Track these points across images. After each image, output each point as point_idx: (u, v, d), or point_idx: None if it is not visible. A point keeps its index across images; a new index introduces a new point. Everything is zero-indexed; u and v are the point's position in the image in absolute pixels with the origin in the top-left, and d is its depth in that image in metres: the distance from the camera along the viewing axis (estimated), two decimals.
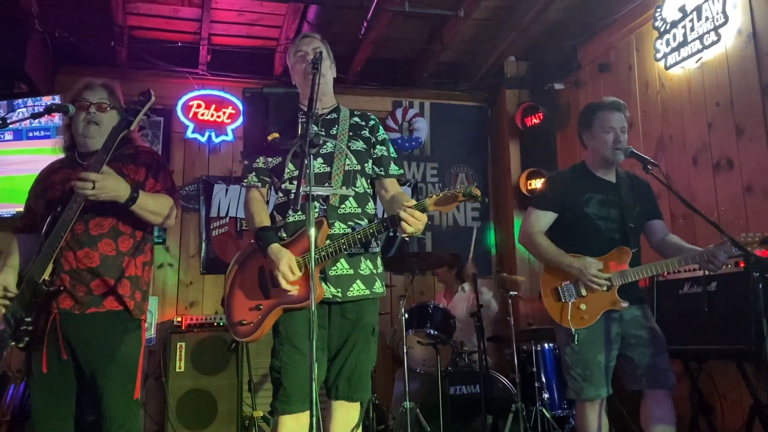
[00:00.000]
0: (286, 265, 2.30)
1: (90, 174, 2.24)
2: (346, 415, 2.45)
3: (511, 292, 4.45)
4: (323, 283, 2.38)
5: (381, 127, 2.70)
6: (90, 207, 2.37)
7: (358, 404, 2.48)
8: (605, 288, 2.88)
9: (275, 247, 2.34)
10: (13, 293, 2.42)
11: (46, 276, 2.34)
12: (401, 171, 2.67)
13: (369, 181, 2.62)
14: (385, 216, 2.38)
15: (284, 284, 2.30)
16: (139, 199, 2.37)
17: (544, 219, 3.07)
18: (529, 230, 3.07)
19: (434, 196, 2.26)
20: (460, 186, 2.26)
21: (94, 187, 2.23)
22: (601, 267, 2.88)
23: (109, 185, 2.29)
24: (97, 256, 2.43)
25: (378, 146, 2.63)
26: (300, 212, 2.45)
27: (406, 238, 2.38)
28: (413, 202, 2.29)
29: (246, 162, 2.61)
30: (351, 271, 2.44)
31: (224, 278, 2.57)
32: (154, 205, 2.45)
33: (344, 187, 2.46)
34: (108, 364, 2.40)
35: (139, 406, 2.56)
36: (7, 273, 2.48)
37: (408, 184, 6.04)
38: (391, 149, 2.68)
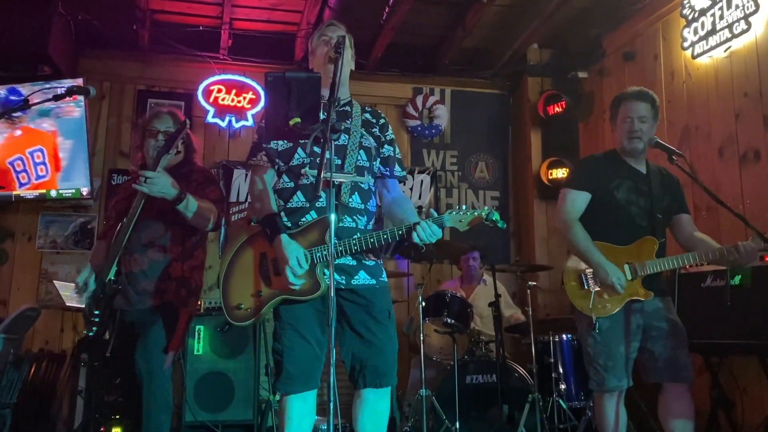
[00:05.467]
0: (295, 258, 2.28)
1: (146, 171, 2.64)
2: (377, 404, 2.44)
3: (529, 283, 4.42)
4: (327, 271, 2.32)
5: (390, 126, 2.70)
6: (144, 218, 2.78)
7: (388, 390, 2.46)
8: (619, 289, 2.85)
9: (285, 239, 2.32)
10: (91, 290, 2.84)
11: (111, 276, 2.74)
12: (404, 173, 2.70)
13: (374, 179, 2.61)
14: (403, 224, 2.35)
15: (291, 278, 2.28)
16: (185, 200, 2.71)
17: (580, 200, 3.01)
18: (567, 216, 3.00)
19: (455, 213, 2.31)
20: (481, 210, 2.31)
21: (146, 181, 2.61)
22: (624, 283, 2.83)
23: (161, 182, 2.65)
24: (146, 261, 2.83)
25: (386, 146, 2.63)
26: (307, 201, 2.41)
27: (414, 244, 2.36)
28: (433, 213, 2.31)
29: (255, 140, 2.56)
30: (354, 263, 2.44)
31: (222, 258, 2.55)
32: (197, 208, 2.79)
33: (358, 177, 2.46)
34: (143, 343, 2.80)
35: (169, 376, 2.86)
36: (88, 272, 2.89)
37: (427, 172, 6.01)
38: (397, 150, 2.68)
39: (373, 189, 2.60)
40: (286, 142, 2.48)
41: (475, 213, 2.31)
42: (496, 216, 2.30)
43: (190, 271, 2.93)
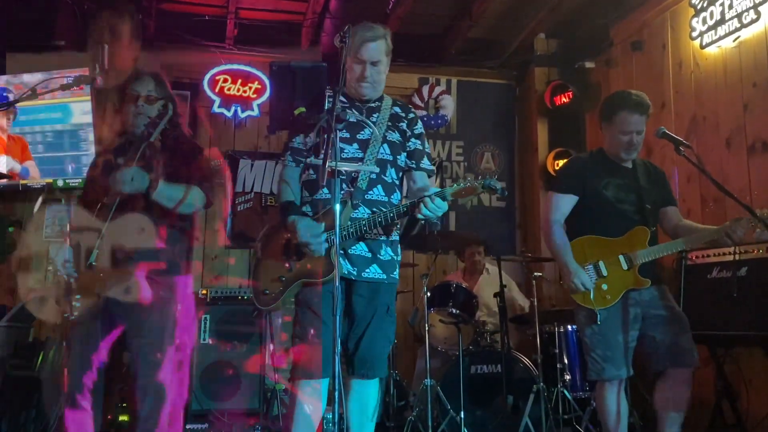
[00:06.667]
0: (306, 230, 2.36)
1: (119, 176, 2.49)
2: (363, 393, 2.50)
3: (535, 274, 4.41)
4: (342, 260, 2.41)
5: (420, 121, 2.74)
6: (125, 200, 2.56)
7: (375, 382, 2.51)
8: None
9: (295, 218, 2.41)
10: (71, 265, 2.62)
11: (92, 260, 2.53)
12: (433, 168, 2.75)
13: (400, 173, 2.66)
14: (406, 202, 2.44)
15: (314, 245, 2.35)
16: (158, 189, 2.54)
17: (565, 203, 3.09)
18: (550, 218, 3.10)
19: (454, 186, 2.37)
20: (480, 179, 2.35)
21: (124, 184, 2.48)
22: (589, 281, 2.91)
23: (132, 184, 2.50)
24: (131, 246, 2.61)
25: (413, 139, 2.68)
26: (326, 190, 2.45)
27: (422, 221, 2.52)
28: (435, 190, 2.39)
29: (287, 139, 2.65)
30: (369, 255, 2.49)
31: (253, 248, 2.65)
32: (173, 194, 2.61)
33: (371, 170, 2.49)
34: (134, 343, 2.61)
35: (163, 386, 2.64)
36: (67, 252, 2.68)
37: (433, 162, 5.98)
38: (426, 145, 2.73)
39: (397, 183, 2.64)
40: (315, 136, 2.53)
41: (467, 183, 2.35)
42: (490, 182, 2.32)
43: (181, 255, 2.74)
